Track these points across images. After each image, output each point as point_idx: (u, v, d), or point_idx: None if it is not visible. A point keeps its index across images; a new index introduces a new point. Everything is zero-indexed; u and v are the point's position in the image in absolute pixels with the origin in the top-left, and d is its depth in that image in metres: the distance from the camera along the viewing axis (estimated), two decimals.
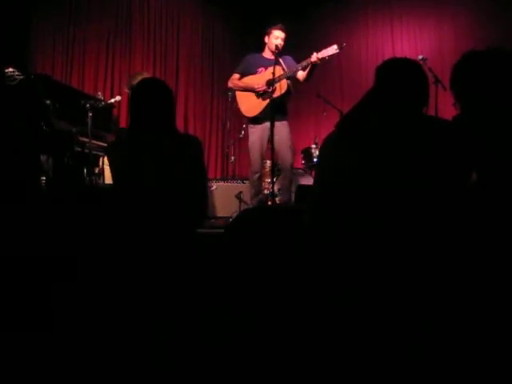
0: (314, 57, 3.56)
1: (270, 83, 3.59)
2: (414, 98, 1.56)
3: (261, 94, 3.78)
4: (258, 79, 3.79)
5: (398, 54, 6.09)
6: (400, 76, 1.59)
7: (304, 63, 3.62)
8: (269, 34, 3.83)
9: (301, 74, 3.72)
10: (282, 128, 3.76)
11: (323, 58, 3.57)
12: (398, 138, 1.47)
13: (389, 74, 1.60)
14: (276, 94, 3.58)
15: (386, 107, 1.55)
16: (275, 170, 3.75)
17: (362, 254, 1.41)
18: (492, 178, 1.47)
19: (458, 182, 1.45)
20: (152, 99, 1.98)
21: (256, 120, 3.83)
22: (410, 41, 6.16)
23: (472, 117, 1.54)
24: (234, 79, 3.94)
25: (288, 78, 3.67)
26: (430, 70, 4.03)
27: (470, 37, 5.53)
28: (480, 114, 1.53)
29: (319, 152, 1.77)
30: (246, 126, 4.48)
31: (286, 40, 3.82)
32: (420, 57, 4.18)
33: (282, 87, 3.63)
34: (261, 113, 3.79)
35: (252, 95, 3.84)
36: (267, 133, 3.67)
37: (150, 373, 1.45)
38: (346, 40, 6.58)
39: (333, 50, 3.55)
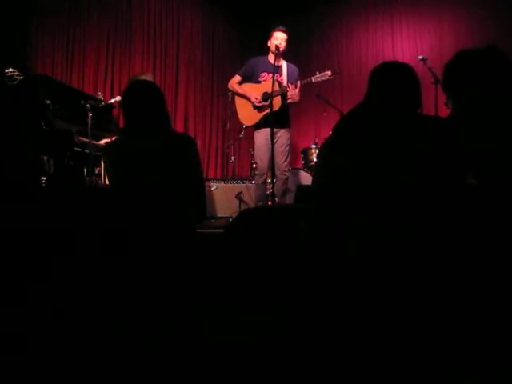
0: (309, 81, 3.68)
1: (267, 97, 3.64)
2: (408, 100, 1.59)
3: (257, 107, 3.82)
4: (256, 90, 3.82)
5: (398, 54, 6.10)
6: (393, 79, 1.62)
7: (298, 84, 3.67)
8: (270, 36, 3.87)
9: (295, 94, 3.69)
10: (283, 135, 3.83)
11: (316, 82, 3.71)
12: (396, 139, 1.47)
13: (382, 78, 1.64)
14: (272, 109, 3.60)
15: (382, 109, 1.56)
16: (275, 171, 3.77)
17: (362, 255, 1.41)
18: (488, 175, 1.48)
19: (457, 180, 1.46)
20: (140, 102, 1.98)
21: (257, 126, 3.88)
22: (410, 41, 6.16)
23: (464, 114, 1.56)
24: (235, 82, 3.97)
25: (282, 95, 3.70)
26: (430, 70, 4.03)
27: (470, 37, 5.53)
28: (472, 110, 1.54)
29: (318, 155, 1.78)
30: (246, 127, 4.50)
31: (288, 42, 3.83)
32: (420, 57, 4.18)
33: (276, 104, 3.64)
34: (258, 122, 3.85)
35: (249, 104, 3.88)
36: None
37: (148, 373, 1.45)
38: (346, 40, 6.66)
39: (326, 76, 3.67)
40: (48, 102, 3.46)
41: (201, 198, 2.05)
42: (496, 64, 1.58)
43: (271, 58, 3.84)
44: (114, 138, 3.65)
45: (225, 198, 4.70)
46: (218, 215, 4.65)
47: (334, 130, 1.65)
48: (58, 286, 1.82)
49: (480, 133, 1.47)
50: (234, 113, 4.12)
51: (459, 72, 1.63)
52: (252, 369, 1.41)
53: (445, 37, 5.89)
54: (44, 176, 3.30)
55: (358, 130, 1.55)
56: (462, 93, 1.61)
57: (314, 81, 3.68)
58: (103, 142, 3.82)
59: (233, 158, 5.66)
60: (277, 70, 3.73)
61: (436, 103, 4.14)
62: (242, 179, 5.01)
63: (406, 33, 6.21)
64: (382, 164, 1.45)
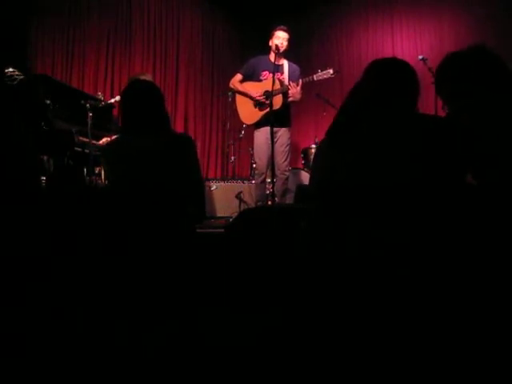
0: (311, 79, 3.69)
1: (268, 95, 3.64)
2: (404, 97, 1.57)
3: (258, 104, 3.82)
4: (257, 88, 3.83)
5: (398, 54, 6.09)
6: (389, 75, 1.59)
7: (300, 82, 3.68)
8: (272, 36, 3.87)
9: (296, 92, 3.69)
10: (283, 134, 3.83)
11: (318, 80, 3.73)
12: (393, 136, 1.47)
13: (378, 74, 1.61)
14: (273, 108, 3.58)
15: (378, 106, 1.55)
16: (275, 171, 3.77)
17: (362, 255, 1.41)
18: (486, 173, 1.48)
19: (454, 178, 1.46)
20: (139, 102, 1.98)
21: (258, 124, 3.88)
22: (410, 41, 6.16)
23: (462, 113, 1.56)
24: (236, 80, 3.97)
25: (284, 93, 3.70)
26: (430, 70, 4.03)
27: (470, 37, 5.53)
28: (470, 110, 1.54)
29: (314, 154, 1.77)
30: (246, 127, 4.50)
31: (289, 41, 3.83)
32: (420, 57, 4.17)
33: (277, 102, 3.63)
34: (258, 121, 3.85)
35: (250, 103, 3.88)
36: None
37: (148, 373, 1.45)
38: (346, 40, 6.66)
39: (328, 74, 3.69)
40: (48, 101, 3.46)
41: (200, 197, 2.06)
42: (490, 62, 1.57)
43: (272, 57, 3.85)
44: (113, 138, 3.65)
45: (225, 197, 4.70)
46: (218, 215, 4.65)
47: (330, 128, 1.64)
48: (58, 286, 1.82)
49: (479, 133, 1.47)
50: (234, 113, 4.12)
51: (457, 71, 1.62)
52: (252, 369, 1.41)
53: (445, 37, 5.89)
54: (44, 176, 3.30)
55: (354, 127, 1.54)
56: (460, 91, 1.59)
57: (315, 79, 3.69)
58: (103, 141, 3.82)
59: (233, 157, 5.66)
60: (278, 68, 3.74)
61: (436, 103, 4.13)
62: (242, 179, 5.01)
63: (406, 33, 6.21)
64: (378, 161, 1.45)
